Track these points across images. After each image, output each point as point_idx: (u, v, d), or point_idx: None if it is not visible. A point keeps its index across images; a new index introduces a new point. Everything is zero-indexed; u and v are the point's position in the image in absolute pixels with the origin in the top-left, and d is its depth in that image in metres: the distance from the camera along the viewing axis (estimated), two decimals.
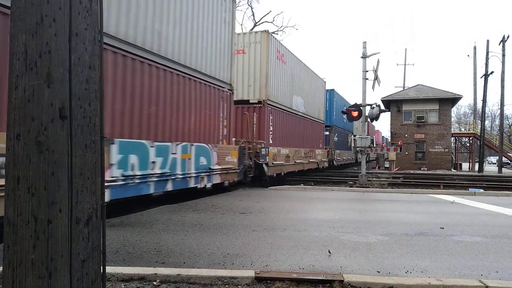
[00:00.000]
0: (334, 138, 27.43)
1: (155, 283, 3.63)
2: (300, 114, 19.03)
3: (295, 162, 18.12)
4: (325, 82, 24.66)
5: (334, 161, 26.78)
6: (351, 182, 17.29)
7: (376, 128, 48.97)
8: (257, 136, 14.14)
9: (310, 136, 21.08)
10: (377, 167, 33.97)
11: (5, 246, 2.01)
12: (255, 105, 14.50)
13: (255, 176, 13.89)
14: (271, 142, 15.06)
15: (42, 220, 1.97)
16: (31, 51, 1.96)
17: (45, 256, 1.97)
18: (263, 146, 14.14)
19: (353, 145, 16.98)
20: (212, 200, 9.97)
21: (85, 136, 2.12)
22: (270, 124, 15.02)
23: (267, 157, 14.38)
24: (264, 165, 14.04)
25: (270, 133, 15.06)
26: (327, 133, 25.75)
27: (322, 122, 23.91)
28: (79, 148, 2.08)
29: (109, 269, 3.69)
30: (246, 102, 14.59)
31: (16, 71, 1.98)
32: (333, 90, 27.40)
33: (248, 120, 13.89)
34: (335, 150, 27.21)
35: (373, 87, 16.77)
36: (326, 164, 24.38)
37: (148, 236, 5.66)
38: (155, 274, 3.73)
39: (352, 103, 34.09)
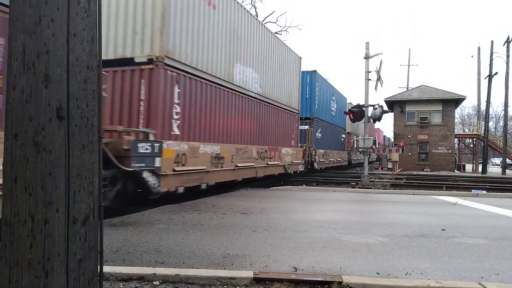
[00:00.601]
0: (316, 134, 21.89)
1: (154, 282, 3.64)
2: (250, 94, 12.76)
3: (237, 166, 11.69)
4: (300, 59, 18.54)
5: (315, 164, 21.03)
6: (353, 183, 17.26)
7: (376, 127, 46.74)
8: (145, 122, 8.31)
9: (273, 129, 14.94)
10: (380, 168, 33.89)
11: (2, 246, 2.02)
12: (143, 67, 8.33)
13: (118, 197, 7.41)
14: (176, 132, 8.88)
15: (39, 219, 1.98)
16: (29, 51, 1.97)
17: (42, 255, 1.98)
18: (149, 138, 7.98)
19: (355, 145, 16.92)
20: (213, 200, 9.98)
21: (83, 137, 2.13)
22: (176, 101, 8.82)
23: (157, 159, 8.00)
24: (145, 175, 7.68)
25: (176, 116, 8.87)
26: (305, 127, 20.68)
27: (296, 113, 17.94)
28: (76, 148, 2.10)
29: (108, 269, 3.70)
30: (130, 61, 8.45)
31: (14, 71, 1.99)
32: (315, 72, 21.47)
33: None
34: (317, 150, 21.44)
35: (375, 88, 16.75)
36: (301, 168, 18.54)
37: (148, 236, 5.67)
38: (154, 274, 3.73)
39: (347, 96, 31.05)
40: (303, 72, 20.28)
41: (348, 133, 31.86)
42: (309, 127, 21.06)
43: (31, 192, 1.98)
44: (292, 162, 17.07)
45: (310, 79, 21.36)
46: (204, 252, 4.86)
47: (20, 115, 1.98)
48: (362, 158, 32.66)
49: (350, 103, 30.82)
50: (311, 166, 20.60)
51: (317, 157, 21.33)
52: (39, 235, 1.98)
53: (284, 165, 15.98)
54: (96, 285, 2.27)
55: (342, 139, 30.05)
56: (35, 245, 1.97)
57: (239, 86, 11.96)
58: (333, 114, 26.43)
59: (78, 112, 2.10)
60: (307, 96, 21.17)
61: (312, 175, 20.59)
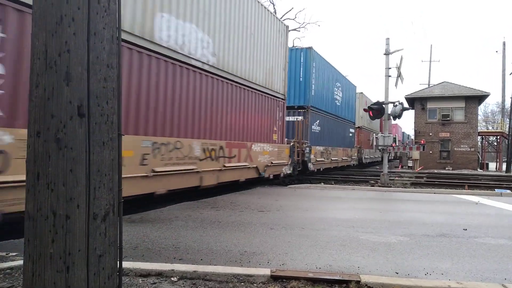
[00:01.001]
0: (313, 127, 17.69)
1: (172, 278, 3.68)
2: (191, 62, 8.73)
3: (155, 171, 7.43)
4: (287, 28, 14.54)
5: (310, 164, 16.84)
6: (372, 182, 17.04)
7: (393, 122, 43.63)
8: None
9: (237, 118, 10.87)
10: (400, 166, 33.39)
11: (26, 240, 2.07)
12: None
13: None
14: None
15: (60, 215, 2.02)
16: (51, 50, 2.01)
17: (63, 250, 2.02)
18: None
19: (375, 143, 16.63)
20: (230, 197, 10.02)
21: (103, 134, 2.16)
22: None
23: None
24: None
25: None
26: (293, 118, 16.66)
27: (281, 98, 14.02)
28: (96, 145, 2.13)
29: (127, 264, 3.76)
30: None
31: (37, 70, 2.03)
32: (310, 49, 17.17)
33: None
34: (313, 147, 17.40)
35: (396, 84, 16.46)
36: (287, 170, 14.40)
37: (167, 233, 5.74)
38: (172, 270, 3.77)
39: (362, 90, 29.42)
40: (295, 48, 17.39)
41: (358, 127, 28.10)
42: (303, 117, 16.78)
43: (53, 188, 2.02)
44: (272, 163, 12.88)
45: (304, 58, 16.99)
46: (221, 249, 4.89)
47: (42, 112, 2.02)
48: (375, 156, 32.18)
49: (362, 93, 28.47)
50: (303, 167, 16.36)
51: (312, 156, 17.16)
52: (60, 230, 2.02)
53: (257, 167, 11.79)
54: (116, 280, 2.30)
55: (350, 134, 25.69)
56: (57, 240, 2.01)
57: (167, 48, 7.92)
58: (338, 104, 22.04)
59: (98, 110, 2.13)
60: (301, 79, 16.98)
61: (331, 174, 20.40)
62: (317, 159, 18.11)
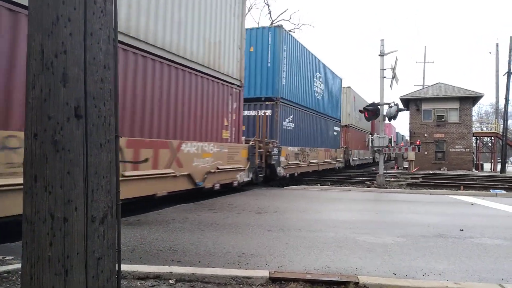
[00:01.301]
0: (284, 123, 14.75)
1: (170, 281, 3.66)
2: None
3: None
4: None
5: (280, 168, 13.88)
6: (368, 182, 17.10)
7: (386, 122, 41.24)
8: None
9: (156, 104, 7.81)
10: (395, 167, 33.51)
11: (24, 243, 2.05)
12: None
13: None
14: None
15: (58, 218, 2.00)
16: (47, 50, 2.00)
17: (62, 253, 2.00)
18: None
19: (370, 144, 16.67)
20: (227, 199, 9.99)
21: (100, 135, 2.15)
22: None
23: None
24: None
25: None
26: (255, 112, 13.96)
27: (237, 85, 11.11)
28: (94, 147, 2.11)
29: (125, 267, 3.73)
30: None
31: (33, 71, 2.01)
32: (279, 28, 14.37)
33: None
34: (284, 147, 14.51)
35: (391, 86, 16.53)
36: (245, 178, 11.46)
37: (164, 235, 5.71)
38: (170, 272, 3.75)
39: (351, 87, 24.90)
40: (262, 28, 14.70)
41: (345, 126, 25.50)
42: (271, 112, 14.00)
43: (51, 191, 2.00)
44: (217, 169, 9.83)
45: (273, 39, 14.05)
46: (219, 251, 4.87)
47: (39, 114, 2.00)
48: (365, 158, 31.41)
49: (349, 87, 26.21)
50: (271, 172, 13.44)
51: (283, 158, 14.20)
52: (58, 233, 2.00)
53: (189, 174, 8.67)
54: (114, 283, 2.28)
55: (335, 133, 22.79)
56: (55, 243, 2.00)
57: None
58: (318, 97, 19.01)
59: (96, 111, 2.12)
60: (268, 64, 14.03)
61: (328, 175, 20.41)
62: (290, 162, 15.08)
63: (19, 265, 3.75)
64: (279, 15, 37.18)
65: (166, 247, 5.03)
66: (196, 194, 9.51)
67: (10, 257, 4.27)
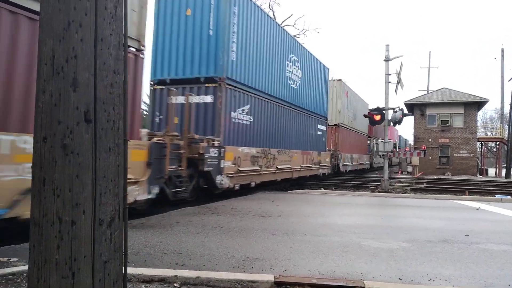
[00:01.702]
0: (235, 115, 11.07)
1: (175, 284, 3.66)
2: None
3: None
4: None
5: (221, 177, 10.08)
6: (372, 187, 17.05)
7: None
8: None
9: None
10: (399, 172, 33.39)
11: (31, 246, 2.06)
12: None
13: None
14: None
15: (66, 221, 2.01)
16: (58, 56, 2.01)
17: (69, 256, 2.01)
18: None
19: (375, 149, 16.61)
20: (231, 203, 9.99)
21: (109, 139, 2.16)
22: None
23: None
24: None
25: None
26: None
27: (134, 48, 7.16)
28: (103, 151, 2.13)
29: (130, 270, 3.74)
30: None
31: (44, 76, 2.03)
32: None
33: None
34: (237, 148, 11.09)
35: (396, 91, 16.53)
36: (138, 196, 7.01)
37: (168, 238, 5.72)
38: (175, 276, 3.76)
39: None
40: None
41: (335, 125, 22.14)
42: (212, 98, 10.41)
43: (59, 194, 2.01)
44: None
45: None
46: (224, 254, 4.87)
47: (49, 118, 2.01)
48: (360, 163, 29.93)
49: (340, 80, 22.80)
50: (209, 183, 9.99)
51: (228, 163, 10.45)
52: (66, 236, 2.01)
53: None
54: (121, 286, 2.29)
55: (319, 133, 19.00)
56: (63, 246, 2.00)
57: None
58: (294, 86, 15.29)
59: (105, 116, 2.13)
60: (210, 32, 10.50)
61: (331, 179, 20.36)
62: (241, 169, 11.18)
63: (24, 267, 3.78)
64: (284, 21, 37.06)
65: (171, 250, 5.04)
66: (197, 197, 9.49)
67: (15, 259, 4.30)
